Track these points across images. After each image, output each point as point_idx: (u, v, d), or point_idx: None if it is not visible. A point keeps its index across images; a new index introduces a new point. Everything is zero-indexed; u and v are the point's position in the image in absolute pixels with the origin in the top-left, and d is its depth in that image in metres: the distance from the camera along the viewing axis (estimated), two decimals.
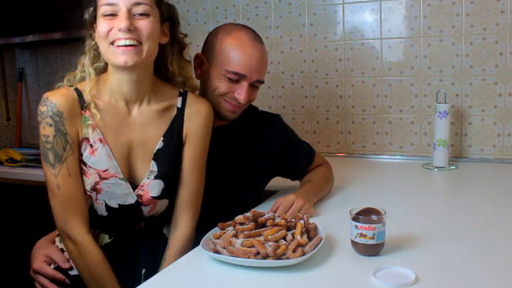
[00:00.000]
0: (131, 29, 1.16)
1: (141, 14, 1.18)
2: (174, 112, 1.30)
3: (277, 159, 1.58)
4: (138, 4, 1.17)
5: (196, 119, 1.32)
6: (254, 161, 1.54)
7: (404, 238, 1.18)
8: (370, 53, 2.17)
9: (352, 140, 2.28)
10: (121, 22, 1.15)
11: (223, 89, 1.42)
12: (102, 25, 1.18)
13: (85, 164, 1.21)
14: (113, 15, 1.17)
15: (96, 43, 1.24)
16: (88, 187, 1.22)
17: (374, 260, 1.08)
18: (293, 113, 2.36)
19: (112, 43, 1.17)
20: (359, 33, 2.18)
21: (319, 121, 2.32)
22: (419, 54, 2.10)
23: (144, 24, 1.18)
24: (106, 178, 1.22)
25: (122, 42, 1.16)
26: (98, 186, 1.22)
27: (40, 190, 1.37)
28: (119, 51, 1.16)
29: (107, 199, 1.23)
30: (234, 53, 1.40)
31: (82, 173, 1.22)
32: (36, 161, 2.38)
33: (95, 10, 1.22)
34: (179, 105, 1.31)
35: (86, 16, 1.25)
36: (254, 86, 1.46)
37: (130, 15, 1.17)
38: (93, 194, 1.23)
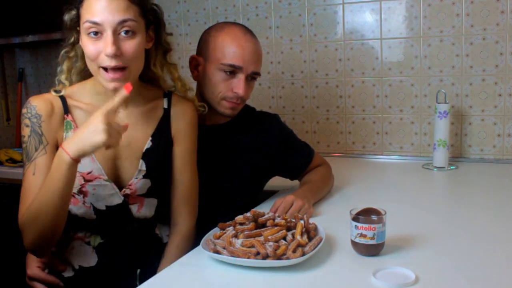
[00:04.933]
0: (118, 54, 1.13)
1: (126, 32, 1.14)
2: (161, 112, 1.31)
3: (275, 158, 1.58)
4: (124, 21, 1.14)
5: (183, 119, 1.33)
6: (251, 160, 1.54)
7: (404, 238, 1.18)
8: (370, 53, 2.17)
9: (352, 140, 2.28)
10: (107, 47, 1.12)
11: (221, 86, 1.44)
12: (88, 47, 1.15)
13: None
14: (97, 33, 1.13)
15: (78, 48, 1.24)
16: (75, 190, 1.21)
17: (374, 260, 1.08)
18: (293, 113, 2.36)
19: (100, 66, 1.15)
20: (359, 33, 2.18)
21: (319, 121, 2.32)
22: (419, 54, 2.10)
23: (130, 46, 1.15)
24: (90, 180, 1.21)
25: (111, 67, 1.14)
26: (83, 189, 1.22)
27: None
28: (108, 77, 1.15)
29: (94, 201, 1.23)
30: (228, 47, 1.43)
31: None
32: None
33: (77, 16, 1.19)
34: (165, 105, 1.32)
35: (67, 18, 1.22)
36: (251, 78, 1.48)
37: (116, 37, 1.13)
38: (80, 197, 1.23)
